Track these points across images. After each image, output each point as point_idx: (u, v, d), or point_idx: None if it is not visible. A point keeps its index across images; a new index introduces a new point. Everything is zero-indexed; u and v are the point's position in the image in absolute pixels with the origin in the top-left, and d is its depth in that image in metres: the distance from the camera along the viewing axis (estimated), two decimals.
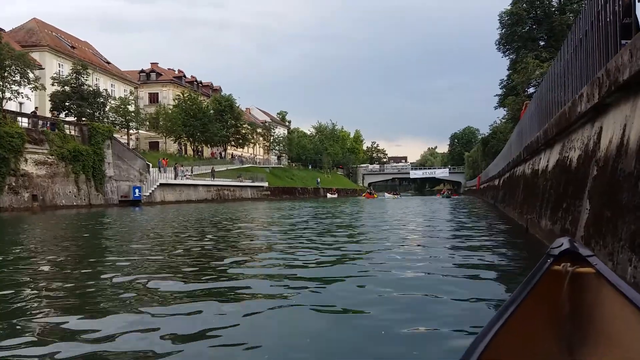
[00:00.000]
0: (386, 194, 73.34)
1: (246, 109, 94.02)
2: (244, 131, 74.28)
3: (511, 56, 49.79)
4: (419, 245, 9.83)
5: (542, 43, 47.78)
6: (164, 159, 50.57)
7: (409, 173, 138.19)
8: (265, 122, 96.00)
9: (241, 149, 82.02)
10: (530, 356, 1.38)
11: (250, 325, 4.08)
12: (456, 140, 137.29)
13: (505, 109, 51.08)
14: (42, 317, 4.45)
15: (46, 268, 7.47)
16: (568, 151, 8.11)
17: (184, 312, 4.51)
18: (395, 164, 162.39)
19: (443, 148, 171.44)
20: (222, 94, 75.48)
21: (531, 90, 39.29)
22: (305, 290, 5.40)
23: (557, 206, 8.07)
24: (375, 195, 68.64)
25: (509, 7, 47.69)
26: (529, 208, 11.94)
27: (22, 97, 34.96)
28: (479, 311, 4.40)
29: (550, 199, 8.91)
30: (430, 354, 3.41)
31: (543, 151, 11.44)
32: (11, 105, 35.76)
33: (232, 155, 78.44)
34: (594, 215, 5.44)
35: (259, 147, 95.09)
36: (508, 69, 50.46)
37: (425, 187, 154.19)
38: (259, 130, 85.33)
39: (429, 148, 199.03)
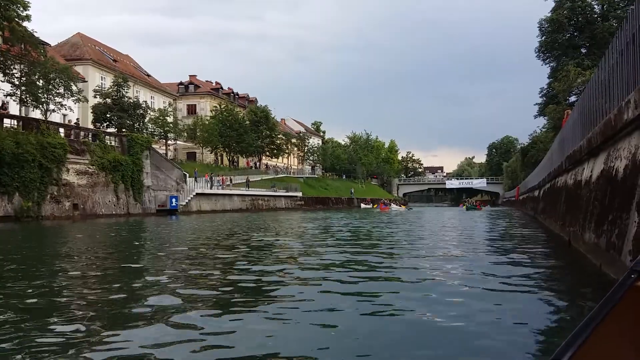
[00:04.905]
0: (394, 206, 64.50)
1: (281, 119, 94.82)
2: (278, 141, 74.88)
3: (552, 64, 48.53)
4: (455, 266, 9.51)
5: (583, 50, 46.44)
6: (207, 173, 51.46)
7: (444, 183, 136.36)
8: (300, 132, 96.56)
9: (276, 159, 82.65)
10: None
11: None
12: (494, 150, 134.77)
13: (545, 117, 49.76)
14: (80, 322, 4.43)
15: (98, 272, 7.56)
16: (614, 160, 7.70)
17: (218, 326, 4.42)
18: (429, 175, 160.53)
19: (481, 158, 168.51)
20: (257, 105, 76.40)
21: (573, 98, 38.17)
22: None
23: (602, 218, 7.67)
24: (388, 208, 60.24)
25: (549, 14, 46.59)
26: (571, 220, 11.45)
27: (66, 109, 36.16)
28: (527, 338, 4.07)
29: (595, 211, 8.48)
30: None
31: (586, 161, 10.96)
32: (55, 117, 37.04)
33: (266, 165, 79.11)
34: None
35: (294, 157, 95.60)
36: (548, 77, 49.18)
37: (462, 197, 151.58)
38: (293, 140, 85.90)
39: (466, 158, 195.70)
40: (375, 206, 63.75)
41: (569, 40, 46.82)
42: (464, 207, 59.82)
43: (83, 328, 4.34)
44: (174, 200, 41.15)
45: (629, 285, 1.27)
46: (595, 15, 45.87)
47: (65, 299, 5.80)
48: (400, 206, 63.75)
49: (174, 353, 3.63)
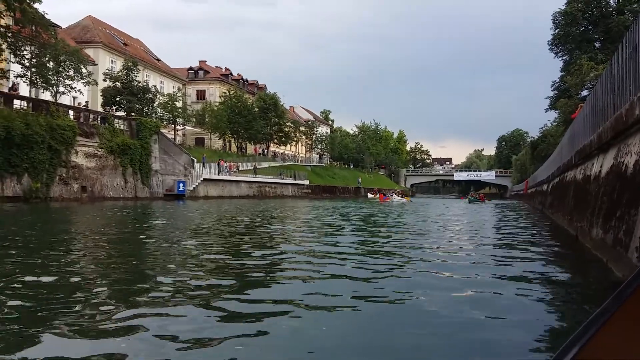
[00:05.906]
0: (395, 196, 59.17)
1: (290, 107, 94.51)
2: (287, 129, 74.72)
3: (564, 57, 47.93)
4: (460, 260, 9.48)
5: (597, 44, 45.77)
6: (221, 159, 51.46)
7: (453, 175, 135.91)
8: (309, 120, 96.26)
9: (284, 147, 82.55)
10: None
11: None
12: (504, 143, 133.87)
13: (556, 111, 49.22)
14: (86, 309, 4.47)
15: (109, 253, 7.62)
16: (624, 156, 7.62)
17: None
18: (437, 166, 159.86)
19: (490, 150, 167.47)
20: (267, 92, 76.19)
21: (585, 93, 37.71)
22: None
23: (610, 214, 7.60)
24: (390, 199, 56.34)
25: (563, 7, 45.94)
26: (579, 215, 11.38)
27: (76, 92, 36.25)
28: (531, 333, 4.02)
29: (603, 206, 8.42)
30: None
31: (596, 156, 10.86)
32: (65, 100, 37.14)
33: (274, 152, 79.07)
34: None
35: (302, 145, 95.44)
36: (561, 71, 48.60)
37: (469, 190, 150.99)
38: (301, 128, 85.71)
39: (475, 150, 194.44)
40: (378, 197, 61.17)
41: (583, 34, 46.17)
42: (466, 199, 57.37)
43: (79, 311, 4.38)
44: (181, 185, 41.32)
45: (638, 283, 1.25)
46: (611, 9, 45.14)
47: (71, 279, 5.84)
48: (405, 198, 59.33)
49: (174, 349, 3.62)
